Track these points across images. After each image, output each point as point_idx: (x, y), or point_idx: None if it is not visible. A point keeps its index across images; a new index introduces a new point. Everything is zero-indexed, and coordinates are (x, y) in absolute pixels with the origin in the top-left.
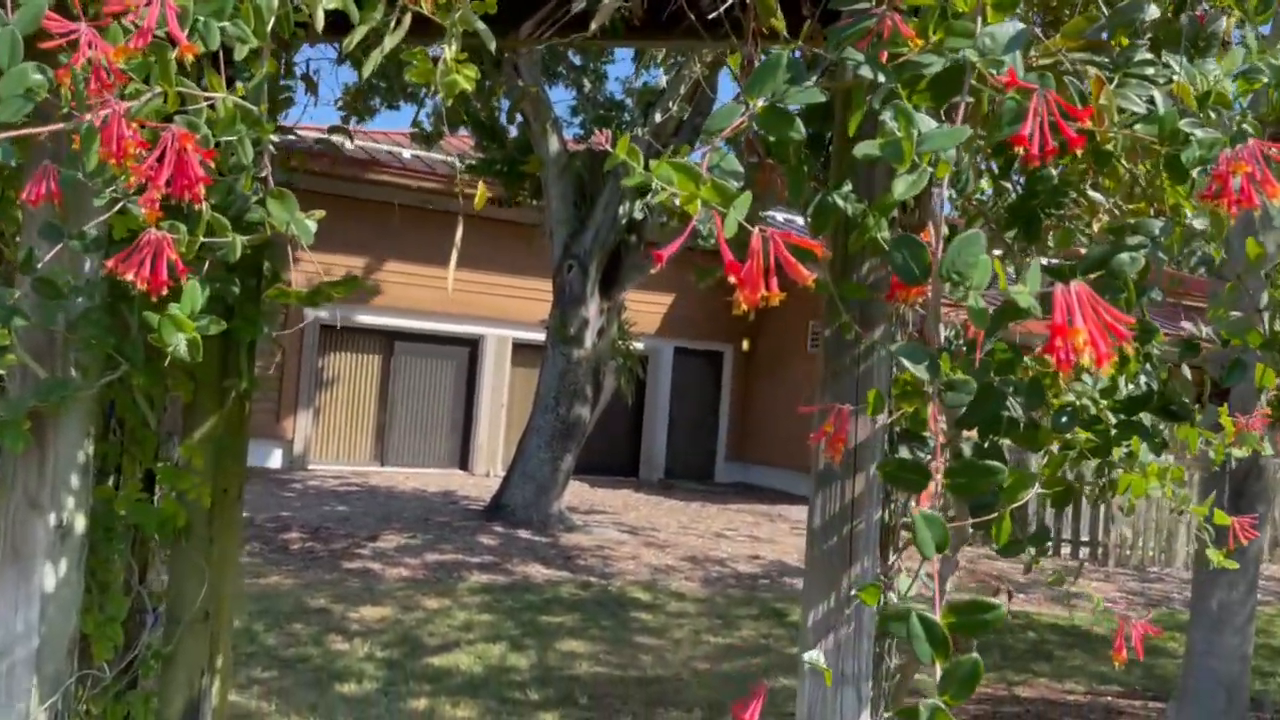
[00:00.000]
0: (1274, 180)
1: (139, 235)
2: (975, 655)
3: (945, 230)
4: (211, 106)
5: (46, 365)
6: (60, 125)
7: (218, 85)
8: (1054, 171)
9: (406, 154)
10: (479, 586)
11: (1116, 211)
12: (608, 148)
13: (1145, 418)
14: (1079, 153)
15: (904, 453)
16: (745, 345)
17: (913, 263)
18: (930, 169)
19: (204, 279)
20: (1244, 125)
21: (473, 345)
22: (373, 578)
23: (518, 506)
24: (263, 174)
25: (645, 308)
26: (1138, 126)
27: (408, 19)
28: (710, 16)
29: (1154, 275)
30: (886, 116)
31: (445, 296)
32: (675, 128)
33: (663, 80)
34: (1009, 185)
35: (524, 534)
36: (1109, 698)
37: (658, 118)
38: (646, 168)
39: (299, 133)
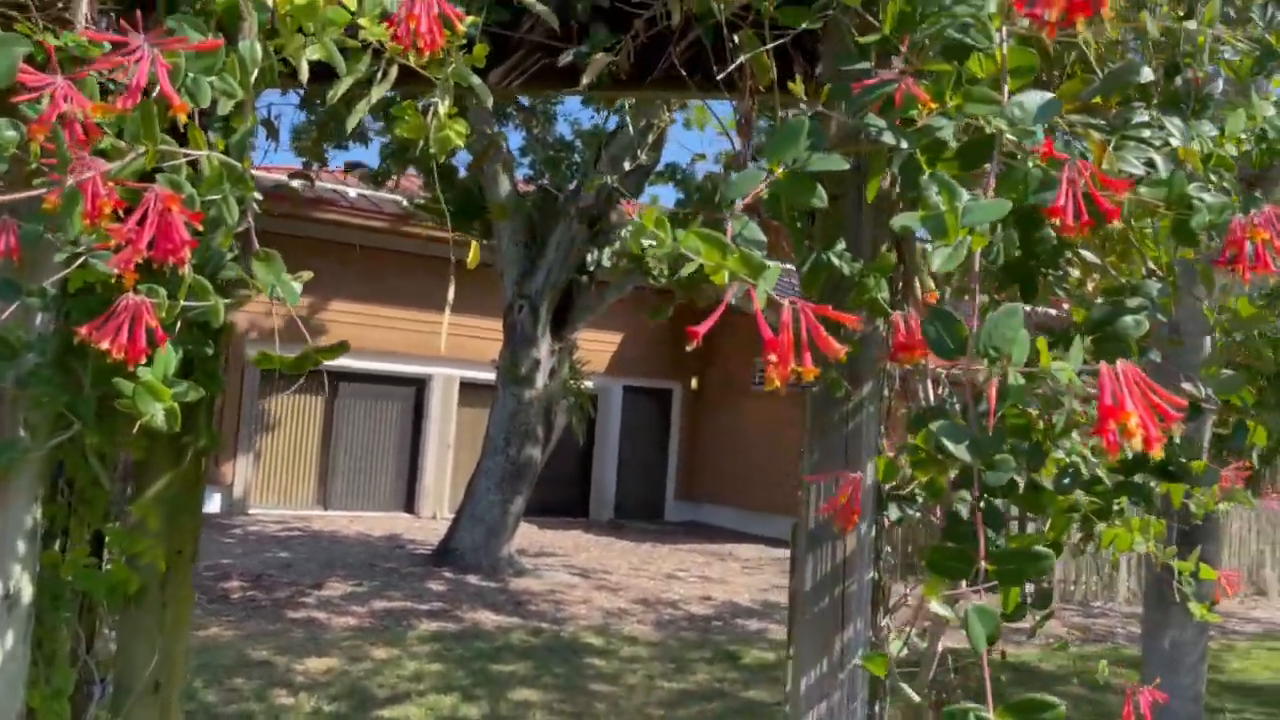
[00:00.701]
0: None
1: (114, 299)
2: None
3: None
4: (193, 164)
5: None
6: (42, 190)
7: (201, 141)
8: (1052, 232)
9: (352, 193)
10: (428, 635)
11: (1111, 270)
12: (634, 217)
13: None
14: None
15: (893, 512)
16: (694, 384)
17: (948, 337)
18: (968, 240)
19: (175, 340)
20: (1255, 194)
21: (419, 385)
22: (318, 627)
23: (467, 550)
24: (242, 230)
25: (595, 346)
26: (1143, 189)
27: (394, 71)
28: (718, 77)
29: (1152, 336)
30: (930, 190)
31: (391, 336)
32: (630, 170)
33: (631, 126)
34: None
35: (473, 579)
36: None
37: (627, 165)
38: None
39: (255, 174)
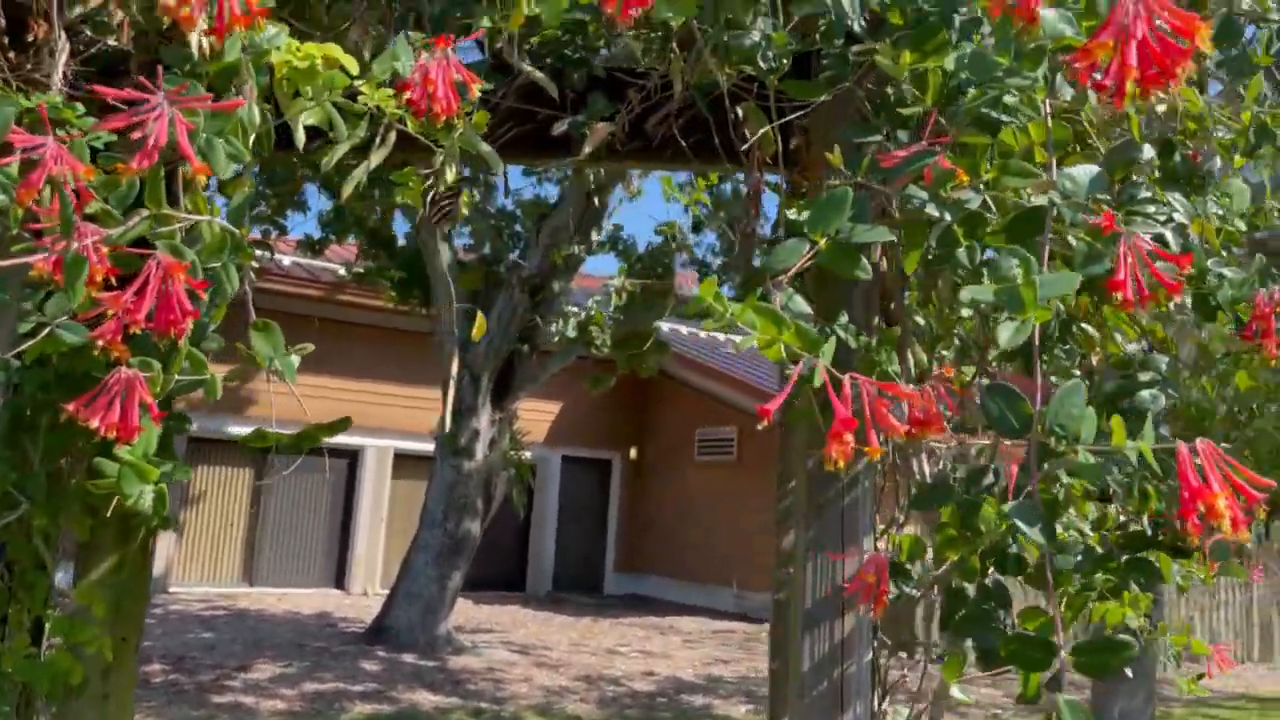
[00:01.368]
0: None
1: (76, 370)
2: None
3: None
4: (187, 229)
5: None
6: (38, 256)
7: (203, 206)
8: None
9: (286, 260)
10: (362, 718)
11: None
12: (693, 291)
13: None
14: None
15: (892, 588)
16: (633, 453)
17: (1011, 415)
18: (1033, 316)
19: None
20: (1273, 268)
21: (352, 457)
22: (245, 713)
23: (402, 629)
24: (238, 300)
25: (534, 416)
26: (1158, 264)
27: (392, 136)
28: (730, 146)
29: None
30: (1006, 262)
31: (324, 406)
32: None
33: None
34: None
35: (409, 658)
36: None
37: (595, 237)
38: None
39: None
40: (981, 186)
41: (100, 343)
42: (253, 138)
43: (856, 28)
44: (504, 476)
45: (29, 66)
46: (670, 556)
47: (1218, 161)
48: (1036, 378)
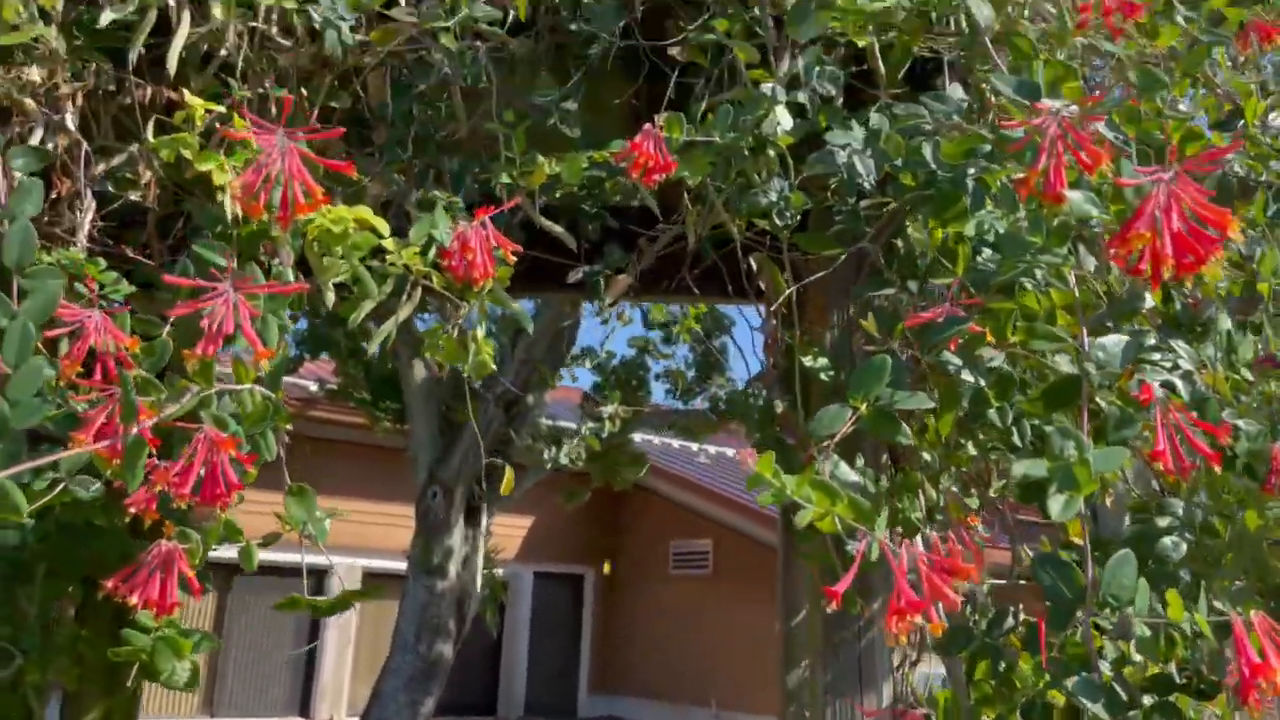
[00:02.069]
0: None
1: (77, 522)
2: None
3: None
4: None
5: None
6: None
7: (244, 374)
8: None
9: None
10: None
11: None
12: (750, 466)
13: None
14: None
15: None
16: (606, 568)
17: (1064, 585)
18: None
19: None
20: None
21: (319, 576)
22: None
23: None
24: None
25: (505, 531)
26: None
27: (418, 292)
28: (736, 279)
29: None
30: (1056, 439)
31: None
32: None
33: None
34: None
35: None
36: None
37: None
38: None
39: None
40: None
41: (133, 510)
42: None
43: (867, 186)
44: (476, 595)
45: (45, 220)
46: (647, 675)
47: (1213, 308)
48: (1088, 547)
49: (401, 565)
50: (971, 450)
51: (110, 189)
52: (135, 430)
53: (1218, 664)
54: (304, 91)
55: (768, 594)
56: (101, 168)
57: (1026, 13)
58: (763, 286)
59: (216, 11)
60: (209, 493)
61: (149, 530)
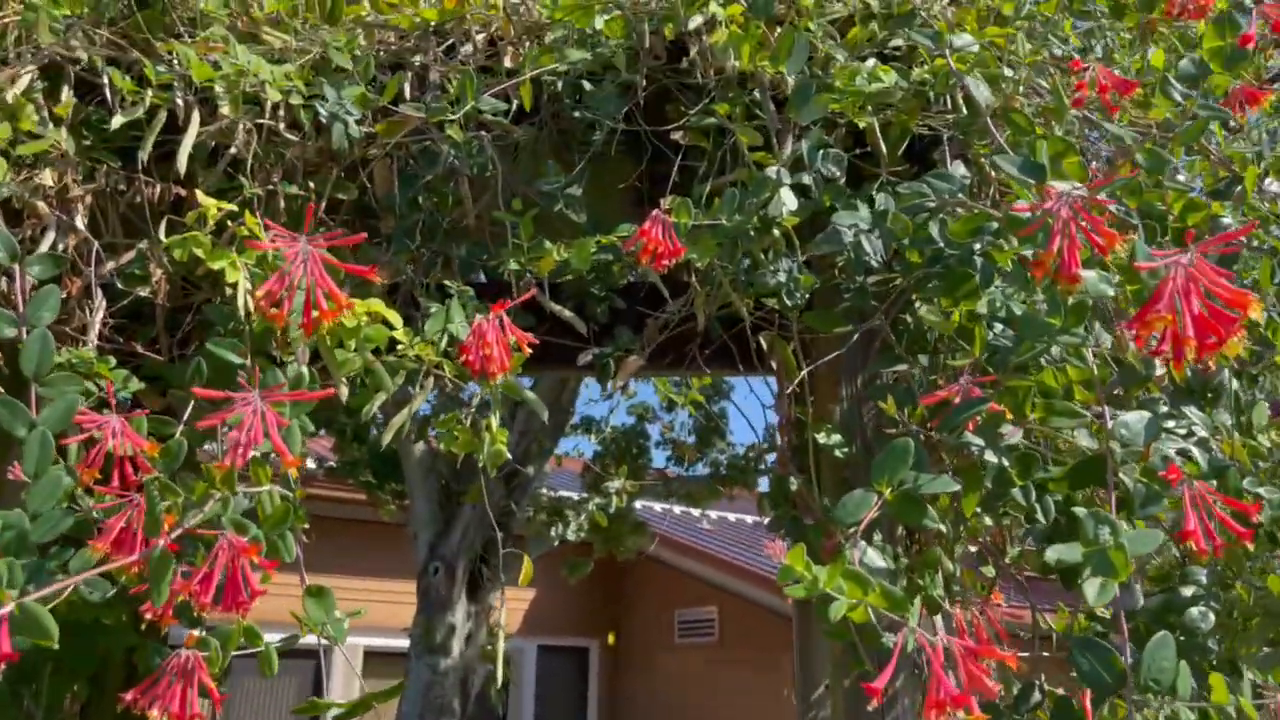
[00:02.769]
0: None
1: (150, 643)
2: None
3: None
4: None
5: None
6: (131, 558)
7: (264, 476)
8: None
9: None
10: None
11: None
12: (779, 558)
13: None
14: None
15: None
16: (611, 639)
17: (1103, 670)
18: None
19: None
20: None
21: (318, 656)
22: None
23: None
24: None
25: (508, 605)
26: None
27: (431, 383)
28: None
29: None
30: (1089, 523)
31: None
32: (541, 423)
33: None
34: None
35: None
36: None
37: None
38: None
39: None
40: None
41: (149, 616)
42: None
43: (874, 264)
44: (481, 673)
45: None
46: None
47: (1225, 374)
48: (1122, 623)
49: (404, 643)
50: (987, 520)
51: (119, 285)
52: (162, 544)
53: None
54: (311, 185)
55: (776, 660)
56: (111, 265)
57: (1022, 89)
58: (774, 365)
59: (225, 109)
60: (230, 600)
61: (148, 625)
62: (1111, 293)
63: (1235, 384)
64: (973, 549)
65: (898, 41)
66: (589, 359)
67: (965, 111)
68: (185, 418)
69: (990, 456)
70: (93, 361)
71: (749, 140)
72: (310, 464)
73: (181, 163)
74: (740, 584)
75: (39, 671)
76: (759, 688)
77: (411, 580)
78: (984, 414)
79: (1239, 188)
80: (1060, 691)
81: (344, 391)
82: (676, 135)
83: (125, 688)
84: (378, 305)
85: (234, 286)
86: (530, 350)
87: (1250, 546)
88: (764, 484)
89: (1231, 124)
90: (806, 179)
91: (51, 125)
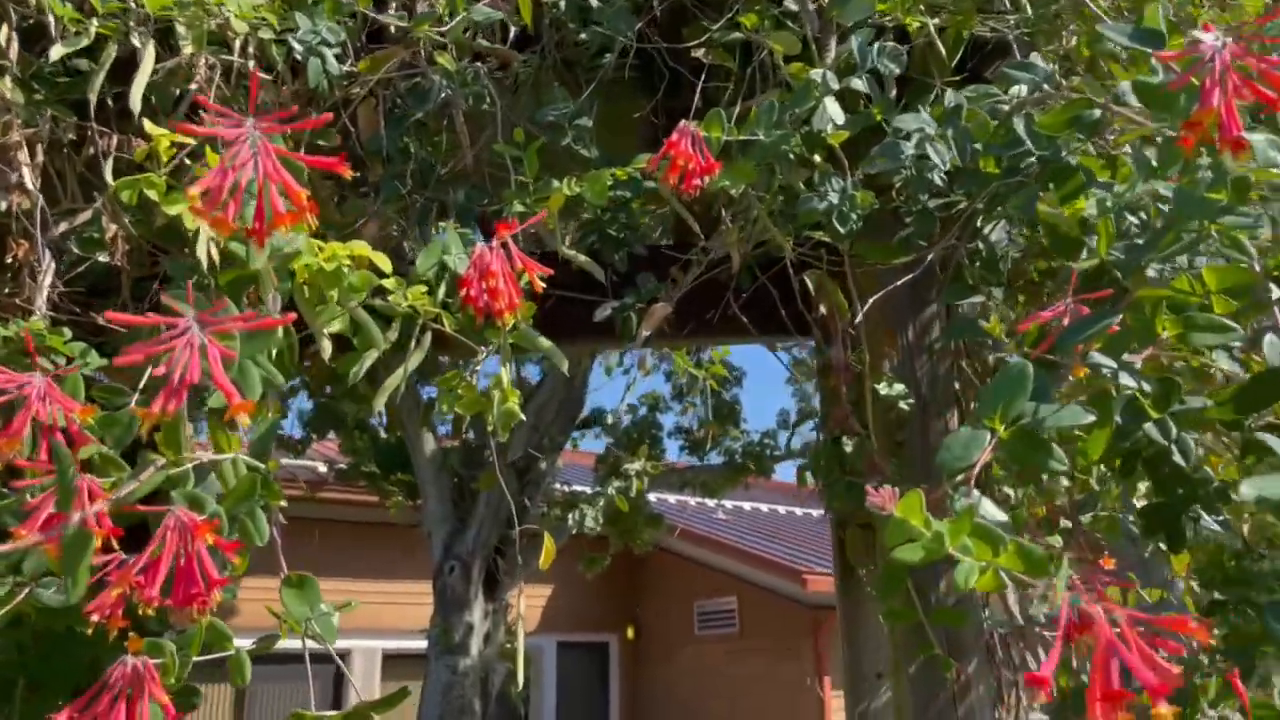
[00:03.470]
0: None
1: (85, 628)
2: None
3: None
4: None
5: None
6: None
7: (225, 441)
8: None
9: None
10: None
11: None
12: (886, 509)
13: None
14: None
15: None
16: (630, 633)
17: None
18: None
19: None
20: None
21: (338, 661)
22: None
23: None
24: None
25: (526, 602)
26: None
27: (428, 339)
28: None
29: None
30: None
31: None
32: (553, 415)
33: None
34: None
35: None
36: None
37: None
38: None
39: None
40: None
41: (95, 618)
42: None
43: (938, 180)
44: (500, 671)
45: (7, 290)
46: None
47: None
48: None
49: (423, 645)
50: (1064, 483)
51: (75, 250)
52: (78, 519)
53: None
54: (287, 131)
55: (798, 649)
56: (63, 227)
57: None
58: (822, 310)
59: (187, 47)
60: (183, 592)
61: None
62: None
63: None
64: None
65: None
66: (607, 313)
67: (1030, 10)
68: (141, 386)
69: (1127, 380)
70: (44, 334)
71: (785, 49)
72: (320, 468)
73: (135, 102)
74: (760, 573)
75: (11, 690)
76: (781, 677)
77: (427, 581)
78: (1103, 336)
79: None
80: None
81: (326, 347)
82: (699, 54)
83: None
84: (362, 248)
85: (196, 236)
86: (542, 286)
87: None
88: (781, 471)
89: None
90: (858, 83)
91: None
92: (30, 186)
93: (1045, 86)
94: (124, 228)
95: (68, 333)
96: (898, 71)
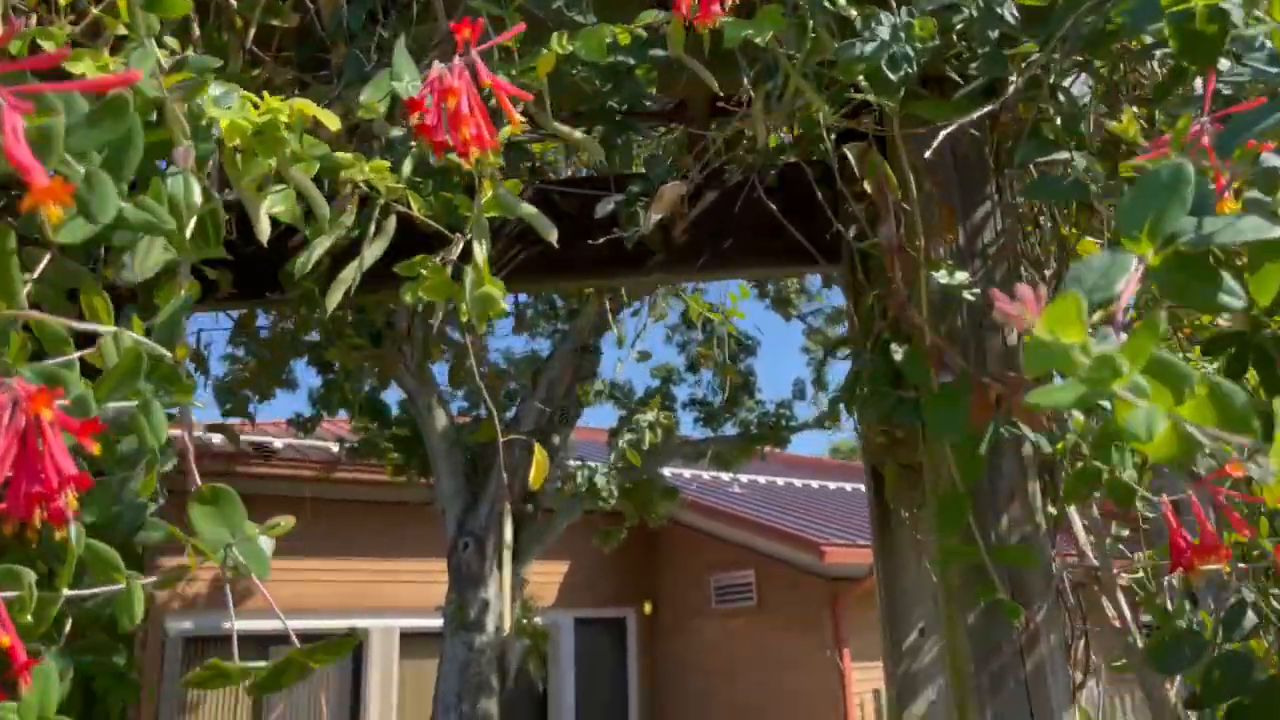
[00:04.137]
0: None
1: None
2: None
3: None
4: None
5: None
6: None
7: (105, 311)
8: None
9: (278, 443)
10: None
11: None
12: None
13: None
14: None
15: None
16: (648, 608)
17: None
18: None
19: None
20: None
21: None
22: None
23: None
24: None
25: (540, 578)
26: None
27: (391, 224)
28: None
29: None
30: None
31: (323, 591)
32: (564, 391)
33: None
34: None
35: None
36: None
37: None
38: None
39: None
40: None
41: None
42: (191, 223)
43: (1010, 16)
44: (517, 648)
45: None
46: (698, 714)
47: None
48: None
49: (438, 623)
50: None
51: None
52: None
53: None
54: (234, 5)
55: (817, 620)
56: None
57: None
58: (867, 188)
59: None
60: (21, 496)
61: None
62: None
63: None
64: None
65: None
66: (610, 207)
67: None
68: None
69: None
70: None
71: None
72: (333, 447)
73: None
74: (777, 546)
75: None
76: (801, 649)
77: (442, 559)
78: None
79: None
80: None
81: (264, 229)
82: None
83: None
84: (305, 105)
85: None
86: (526, 244)
87: None
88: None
89: None
90: None
91: None
92: None
93: None
94: None
95: None
96: None
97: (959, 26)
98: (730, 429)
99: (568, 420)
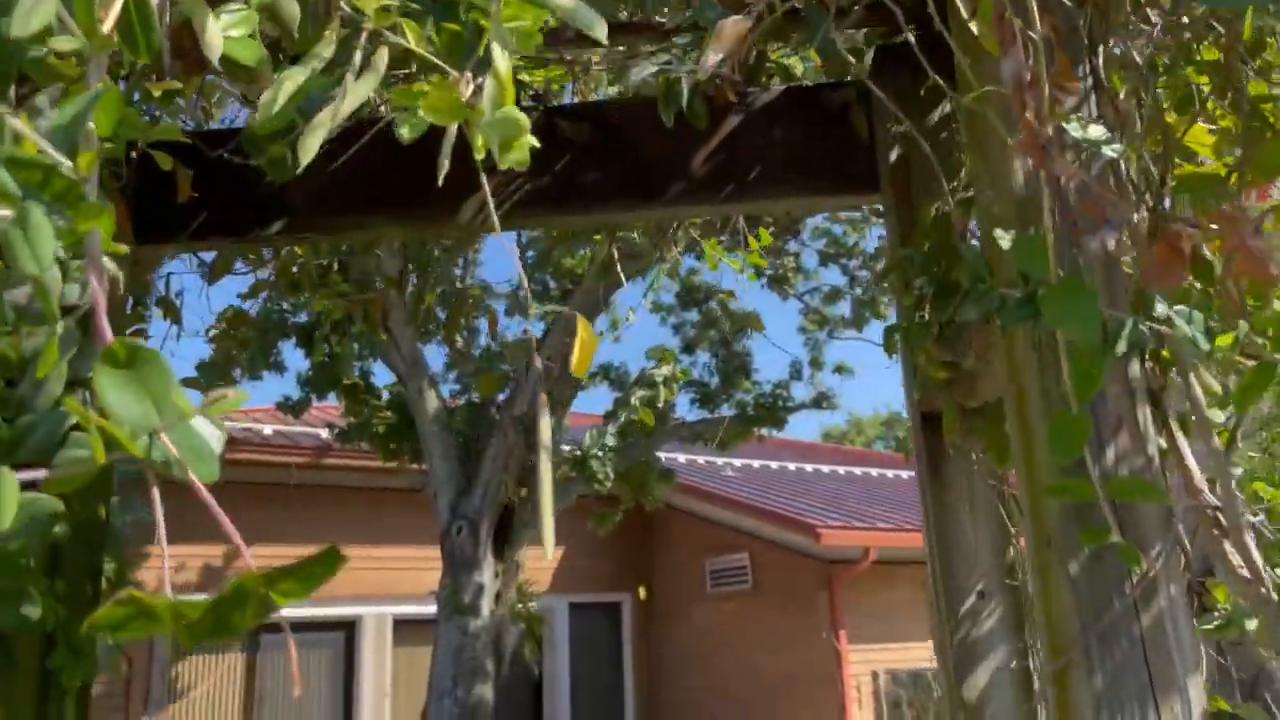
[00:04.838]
0: None
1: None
2: None
3: None
4: None
5: None
6: None
7: None
8: None
9: (267, 429)
10: None
11: None
12: None
13: None
14: None
15: None
16: (643, 593)
17: None
18: None
19: None
20: None
21: (348, 628)
22: None
23: None
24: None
25: (535, 563)
26: None
27: (383, 59)
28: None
29: None
30: None
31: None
32: (560, 370)
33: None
34: None
35: None
36: None
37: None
38: None
39: None
40: None
41: None
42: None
43: None
44: (512, 632)
45: None
46: (696, 706)
47: None
48: None
49: (431, 609)
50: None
51: None
52: None
53: None
54: None
55: (811, 603)
56: None
57: None
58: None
59: None
60: None
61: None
62: None
63: None
64: None
65: None
66: (647, 73)
67: None
68: None
69: None
70: None
71: None
72: (323, 433)
73: None
74: (771, 529)
75: None
76: (795, 632)
77: (435, 545)
78: None
79: None
80: None
81: (215, 44)
82: None
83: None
84: None
85: None
86: (536, 176)
87: None
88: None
89: None
90: None
91: None
92: None
93: None
94: None
95: None
96: None
97: None
98: (727, 410)
99: (562, 402)
